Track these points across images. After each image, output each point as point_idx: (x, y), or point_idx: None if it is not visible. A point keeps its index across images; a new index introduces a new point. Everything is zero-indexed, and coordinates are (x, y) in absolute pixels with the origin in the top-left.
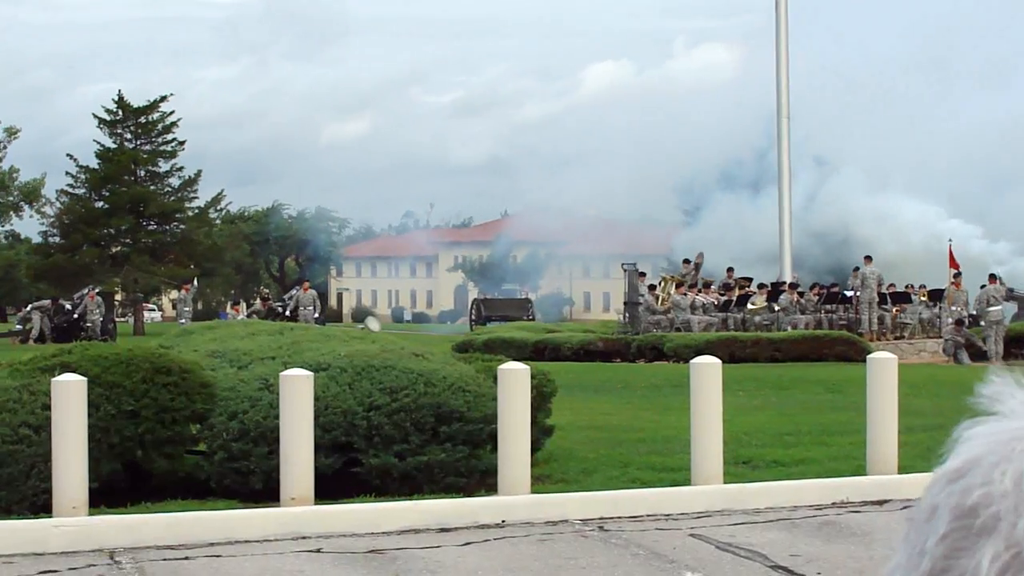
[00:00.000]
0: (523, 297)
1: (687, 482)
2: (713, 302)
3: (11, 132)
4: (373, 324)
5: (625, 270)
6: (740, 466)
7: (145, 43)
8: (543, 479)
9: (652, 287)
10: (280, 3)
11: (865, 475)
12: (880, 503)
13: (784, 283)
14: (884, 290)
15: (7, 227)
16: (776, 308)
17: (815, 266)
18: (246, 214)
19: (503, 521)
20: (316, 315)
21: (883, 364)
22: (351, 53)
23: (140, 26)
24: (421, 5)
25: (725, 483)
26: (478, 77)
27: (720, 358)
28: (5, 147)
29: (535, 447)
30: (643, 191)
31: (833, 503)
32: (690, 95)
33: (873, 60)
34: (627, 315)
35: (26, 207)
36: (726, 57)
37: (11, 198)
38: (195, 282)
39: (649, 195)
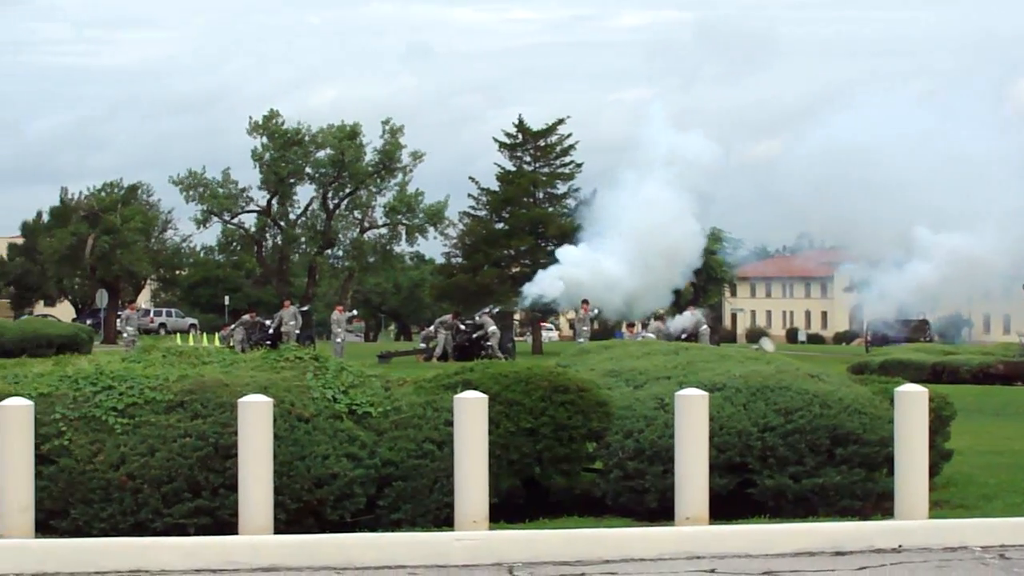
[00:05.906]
0: (920, 318)
1: None
2: None
3: (416, 156)
4: (767, 345)
5: None
6: None
7: (566, 67)
8: (941, 504)
9: None
10: (707, 26)
11: None
12: None
13: None
14: None
15: (413, 248)
16: None
17: None
18: None
19: (900, 546)
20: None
21: None
22: (773, 74)
23: (562, 50)
24: (848, 23)
25: None
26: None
27: None
28: (411, 170)
29: (933, 471)
30: None
31: None
32: None
33: None
34: None
35: (430, 229)
36: None
37: (416, 220)
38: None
39: None
